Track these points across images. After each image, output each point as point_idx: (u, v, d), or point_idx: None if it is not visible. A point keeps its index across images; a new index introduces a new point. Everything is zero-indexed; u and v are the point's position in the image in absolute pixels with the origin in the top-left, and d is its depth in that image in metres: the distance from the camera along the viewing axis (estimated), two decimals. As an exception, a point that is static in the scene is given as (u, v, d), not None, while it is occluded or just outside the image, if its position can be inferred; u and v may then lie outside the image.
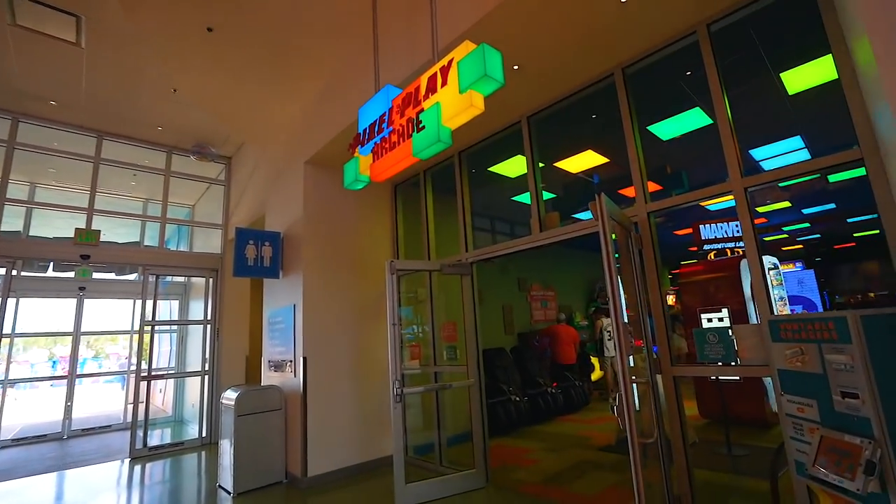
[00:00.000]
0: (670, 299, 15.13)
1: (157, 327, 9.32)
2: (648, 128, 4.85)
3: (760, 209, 8.75)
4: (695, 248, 13.22)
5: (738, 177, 2.91)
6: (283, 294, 5.03)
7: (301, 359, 4.50)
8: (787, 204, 8.67)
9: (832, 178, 6.82)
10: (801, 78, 4.29)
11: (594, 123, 4.82)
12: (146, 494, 4.54)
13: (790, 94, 4.58)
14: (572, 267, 11.46)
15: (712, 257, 6.88)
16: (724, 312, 5.75)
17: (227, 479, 4.29)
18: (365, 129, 3.19)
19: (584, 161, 5.70)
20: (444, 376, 4.68)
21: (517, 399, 6.36)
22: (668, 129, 4.99)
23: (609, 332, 8.35)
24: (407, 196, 5.75)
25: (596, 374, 9.50)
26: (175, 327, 8.90)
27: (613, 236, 2.70)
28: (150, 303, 6.23)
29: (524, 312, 9.42)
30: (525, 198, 7.35)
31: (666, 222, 9.33)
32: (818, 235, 12.63)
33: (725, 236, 6.77)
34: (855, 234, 12.78)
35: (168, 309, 9.44)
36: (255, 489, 4.30)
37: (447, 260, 4.50)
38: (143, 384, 6.19)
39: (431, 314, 4.80)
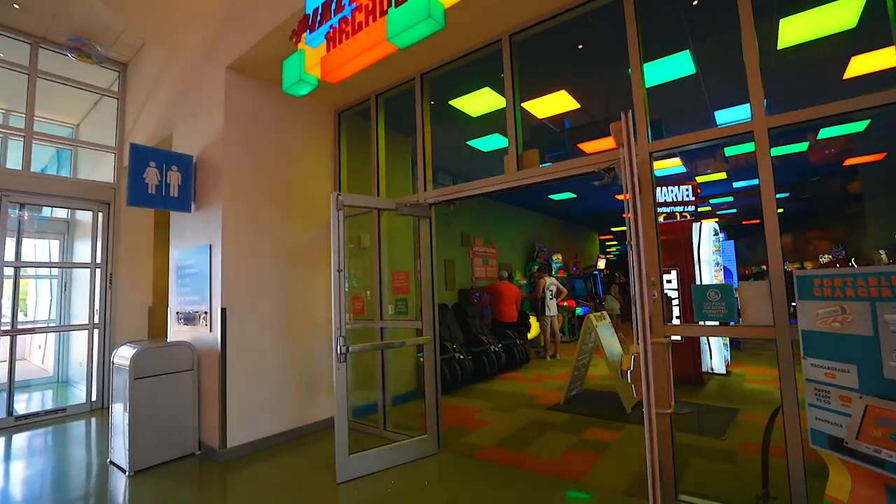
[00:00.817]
0: (601, 263, 15.73)
1: (31, 272, 7.70)
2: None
3: (699, 178, 8.99)
4: (630, 215, 13.64)
5: (762, 115, 2.55)
6: (196, 232, 4.09)
7: (219, 310, 3.69)
8: (723, 175, 8.98)
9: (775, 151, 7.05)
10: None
11: (578, 57, 4.31)
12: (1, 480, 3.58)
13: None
14: (514, 225, 11.25)
15: (662, 220, 6.87)
16: (674, 274, 5.74)
17: (120, 454, 3.48)
18: (316, 9, 2.38)
19: (554, 104, 5.21)
20: (391, 332, 4.14)
21: (461, 357, 6.03)
22: (655, 72, 4.59)
23: (552, 290, 8.27)
24: (353, 127, 4.92)
25: (532, 333, 9.53)
26: (55, 272, 7.38)
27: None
28: (15, 241, 4.90)
29: (466, 268, 9.07)
30: (482, 143, 6.83)
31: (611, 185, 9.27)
32: (734, 210, 13.55)
33: (676, 200, 6.77)
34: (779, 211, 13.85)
35: (47, 250, 7.80)
36: (158, 465, 3.54)
37: (403, 199, 3.85)
38: (7, 339, 4.96)
39: (379, 262, 4.17)
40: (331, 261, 3.21)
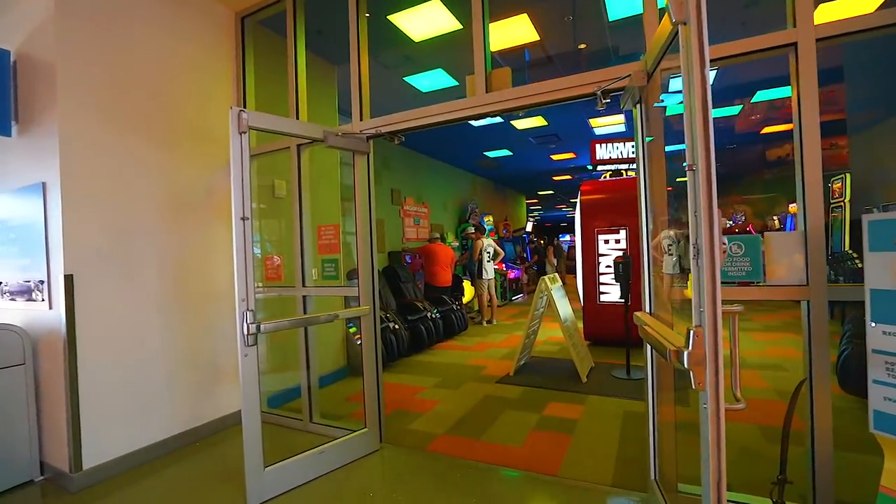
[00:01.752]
0: (529, 226, 15.68)
1: None
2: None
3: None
4: (568, 177, 13.61)
5: (809, 25, 2.01)
6: (20, 165, 2.81)
7: (60, 278, 2.56)
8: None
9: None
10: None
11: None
12: None
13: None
14: (446, 184, 10.54)
15: (607, 178, 6.56)
16: (623, 234, 5.44)
17: None
18: None
19: (509, 31, 4.43)
20: (316, 302, 3.27)
21: (396, 327, 5.31)
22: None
23: (489, 252, 7.77)
24: (263, 43, 3.76)
25: (466, 298, 9.07)
26: None
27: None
28: None
29: (396, 229, 8.25)
30: (423, 80, 5.85)
31: (547, 143, 8.88)
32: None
33: (620, 157, 6.47)
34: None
35: None
36: (-32, 501, 2.43)
37: (333, 129, 2.91)
38: None
39: (300, 215, 3.22)
40: (232, 208, 2.25)
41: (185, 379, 3.12)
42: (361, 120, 3.03)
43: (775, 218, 11.90)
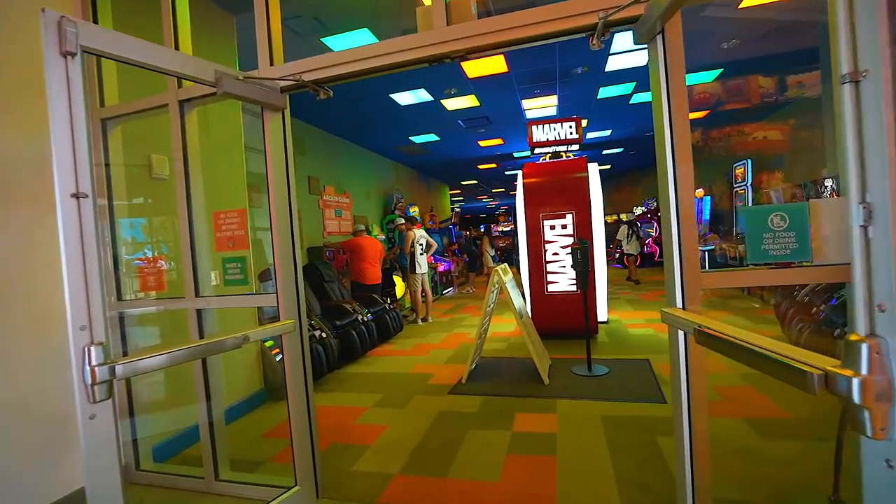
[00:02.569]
0: (454, 216, 15.24)
1: None
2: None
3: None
4: (493, 165, 13.29)
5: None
6: None
7: None
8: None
9: (637, 98, 6.96)
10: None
11: None
12: None
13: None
14: (368, 172, 9.68)
15: (546, 160, 6.21)
16: (569, 219, 5.09)
17: None
18: None
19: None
20: (217, 317, 2.39)
21: (324, 335, 4.47)
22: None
23: (422, 245, 7.13)
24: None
25: (398, 294, 8.35)
26: None
27: None
28: None
29: (315, 221, 7.28)
30: (341, 42, 4.93)
31: (477, 127, 8.41)
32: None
33: (558, 138, 6.15)
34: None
35: None
36: None
37: (231, 71, 2.04)
38: None
39: (187, 196, 2.31)
40: (54, 182, 1.35)
41: (6, 445, 2.08)
42: (272, 65, 2.20)
43: (683, 203, 12.69)
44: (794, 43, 5.28)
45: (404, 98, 6.43)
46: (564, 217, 5.14)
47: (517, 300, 4.16)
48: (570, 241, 5.12)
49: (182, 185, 2.29)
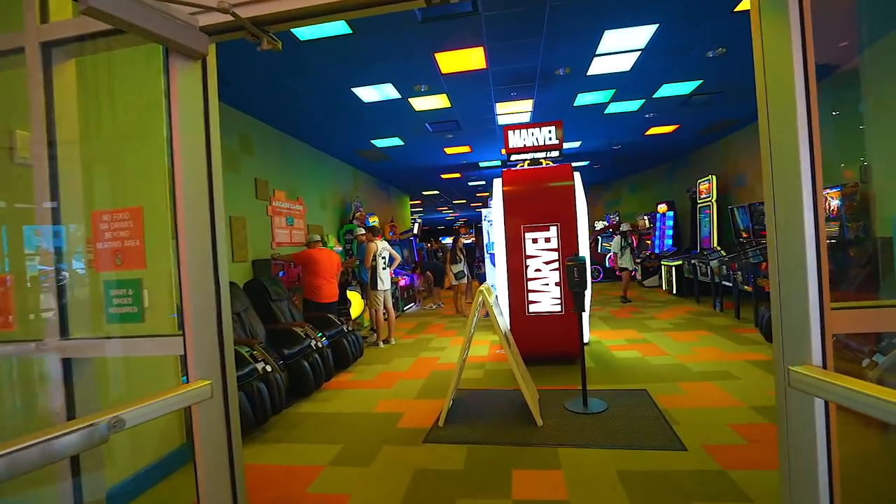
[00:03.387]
0: (416, 227, 14.57)
1: None
2: None
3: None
4: (457, 175, 12.73)
5: None
6: None
7: None
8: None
9: (612, 108, 6.65)
10: None
11: None
12: None
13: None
14: (324, 177, 8.87)
15: (524, 167, 5.71)
16: (554, 232, 4.58)
17: None
18: None
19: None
20: (97, 371, 1.60)
21: (269, 369, 3.66)
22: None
23: (385, 258, 6.42)
24: None
25: (354, 313, 7.56)
26: None
27: None
28: None
29: (263, 230, 6.41)
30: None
31: (445, 131, 7.86)
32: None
33: (536, 144, 5.69)
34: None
35: None
36: None
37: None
38: None
39: (50, 188, 1.53)
40: None
41: None
42: (190, -5, 1.48)
43: (645, 216, 12.74)
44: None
45: (368, 94, 5.76)
46: (548, 229, 4.63)
47: (503, 325, 3.56)
48: (555, 255, 4.62)
49: (43, 174, 1.51)
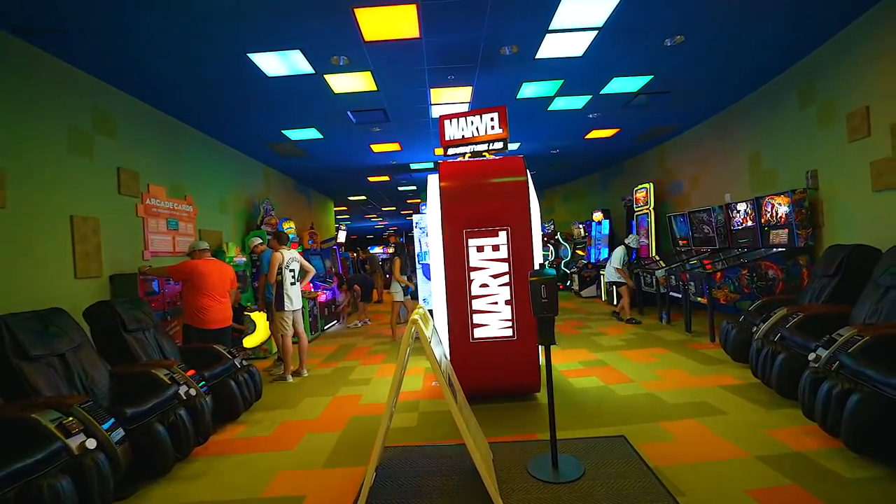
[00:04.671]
0: (341, 236, 13.23)
1: None
2: None
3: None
4: (385, 178, 11.55)
5: None
6: None
7: None
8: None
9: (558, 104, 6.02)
10: None
11: None
12: None
13: None
14: (226, 173, 7.43)
15: (467, 157, 4.82)
16: (504, 237, 3.73)
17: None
18: None
19: None
20: None
21: (89, 446, 2.37)
22: None
23: (294, 271, 5.22)
24: None
25: (257, 338, 6.23)
26: None
27: None
28: None
29: (129, 235, 4.96)
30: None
31: (370, 123, 6.85)
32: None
33: (476, 135, 4.84)
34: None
35: None
36: None
37: None
38: None
39: None
40: None
41: None
42: None
43: (580, 225, 12.52)
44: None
45: (271, 64, 4.58)
46: (497, 235, 3.76)
47: (443, 361, 2.59)
48: (505, 267, 3.75)
49: None
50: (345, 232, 12.99)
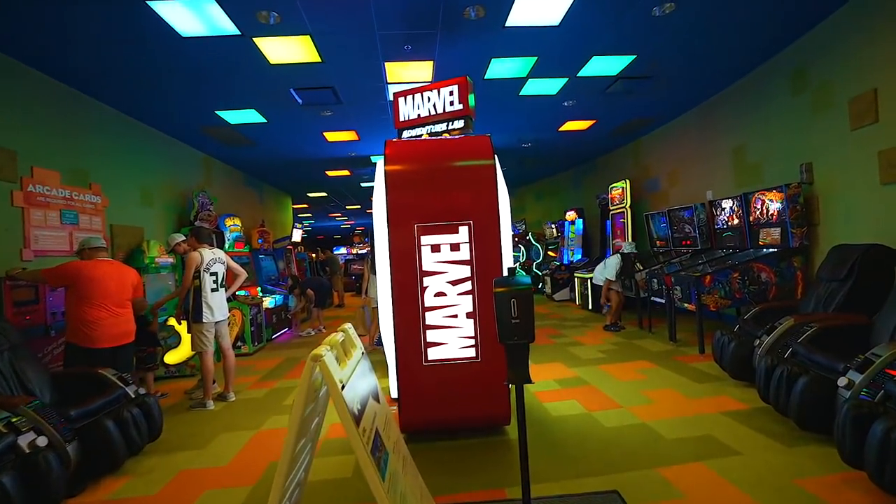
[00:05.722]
0: (297, 235, 12.23)
1: None
2: None
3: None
4: (346, 173, 10.59)
5: None
6: None
7: None
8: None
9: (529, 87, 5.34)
10: None
11: None
12: None
13: None
14: (150, 159, 6.43)
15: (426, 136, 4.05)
16: (465, 234, 2.99)
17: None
18: None
19: None
20: None
21: None
22: None
23: (216, 274, 4.34)
24: None
25: (181, 353, 5.31)
26: None
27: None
28: None
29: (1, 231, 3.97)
30: None
31: (320, 105, 6.02)
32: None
33: (434, 113, 4.09)
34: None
35: None
36: None
37: None
38: None
39: None
40: None
41: None
42: None
43: (553, 225, 11.97)
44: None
45: (182, 19, 3.69)
46: (456, 231, 3.01)
47: (376, 413, 1.81)
48: (467, 271, 3.01)
49: None
50: (301, 231, 11.99)
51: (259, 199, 10.79)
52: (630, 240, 8.07)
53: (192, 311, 4.18)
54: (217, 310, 4.25)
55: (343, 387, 1.51)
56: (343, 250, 23.13)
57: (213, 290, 4.24)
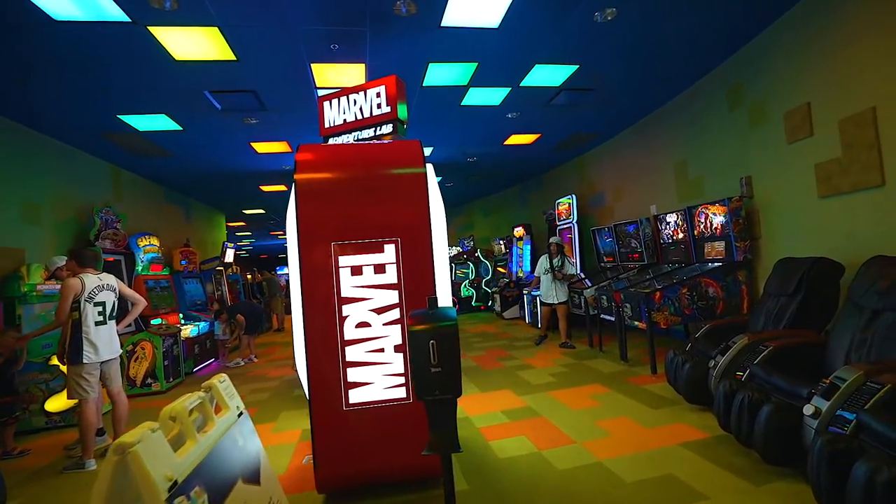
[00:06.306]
0: (230, 255, 11.25)
1: None
2: None
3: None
4: (281, 188, 9.81)
5: None
6: None
7: None
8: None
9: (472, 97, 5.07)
10: None
11: None
12: None
13: None
14: (31, 169, 5.56)
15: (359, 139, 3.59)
16: (391, 253, 2.56)
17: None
18: None
19: None
20: None
21: None
22: None
23: (103, 303, 3.63)
24: None
25: (64, 401, 4.46)
26: None
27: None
28: None
29: None
30: None
31: (242, 111, 5.44)
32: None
33: (360, 117, 3.66)
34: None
35: None
36: None
37: None
38: None
39: None
40: None
41: None
42: None
43: (500, 241, 11.78)
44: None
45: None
46: (382, 250, 2.57)
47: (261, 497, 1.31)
48: (395, 297, 2.56)
49: None
50: (233, 250, 11.04)
51: (185, 217, 9.83)
52: (572, 257, 7.89)
53: (68, 349, 3.43)
54: (103, 347, 3.52)
55: (174, 487, 1.01)
56: (286, 270, 21.95)
57: (97, 323, 3.51)
